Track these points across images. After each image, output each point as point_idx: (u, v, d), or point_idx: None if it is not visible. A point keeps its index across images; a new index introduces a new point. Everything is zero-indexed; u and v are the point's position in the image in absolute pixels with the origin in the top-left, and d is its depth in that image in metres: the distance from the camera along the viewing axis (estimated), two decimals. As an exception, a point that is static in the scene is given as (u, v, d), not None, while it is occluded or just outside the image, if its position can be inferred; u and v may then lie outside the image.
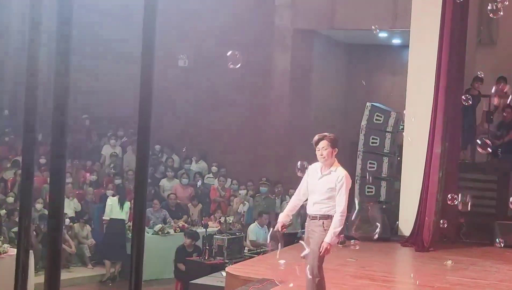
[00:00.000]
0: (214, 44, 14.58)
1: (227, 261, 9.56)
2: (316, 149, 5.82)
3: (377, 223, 9.06)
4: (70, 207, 12.18)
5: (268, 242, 6.12)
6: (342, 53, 15.49)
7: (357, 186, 11.41)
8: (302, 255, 5.88)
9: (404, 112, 10.26)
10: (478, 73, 10.47)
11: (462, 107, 10.14)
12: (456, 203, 6.84)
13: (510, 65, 11.60)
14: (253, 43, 14.24)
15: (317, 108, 14.57)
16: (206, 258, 9.87)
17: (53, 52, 1.98)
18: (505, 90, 7.54)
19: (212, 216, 12.41)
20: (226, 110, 14.56)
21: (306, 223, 6.05)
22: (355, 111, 13.11)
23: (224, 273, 8.08)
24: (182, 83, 15.06)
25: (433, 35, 9.75)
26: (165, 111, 14.28)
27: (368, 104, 11.64)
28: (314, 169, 5.91)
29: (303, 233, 6.57)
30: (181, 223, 12.03)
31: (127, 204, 11.48)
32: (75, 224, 11.82)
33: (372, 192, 11.44)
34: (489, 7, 6.51)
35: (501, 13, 6.37)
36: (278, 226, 5.98)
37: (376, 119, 11.38)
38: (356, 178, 11.50)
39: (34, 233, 10.52)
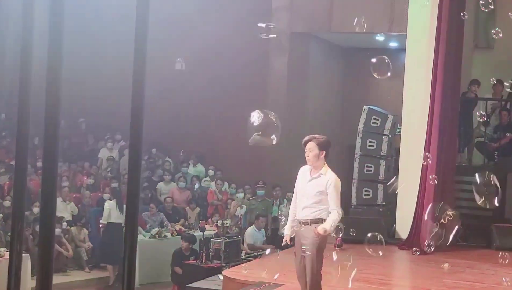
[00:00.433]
0: (211, 48, 14.60)
1: (224, 264, 9.54)
2: (305, 150, 5.79)
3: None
4: (67, 210, 12.16)
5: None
6: (339, 56, 15.50)
7: (354, 189, 11.42)
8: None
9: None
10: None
11: (459, 110, 10.17)
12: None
13: (506, 68, 11.62)
14: (250, 46, 14.26)
15: (314, 111, 14.58)
16: (203, 261, 9.85)
17: (45, 55, 1.97)
18: None
19: (209, 220, 12.40)
20: (223, 113, 14.55)
21: (295, 228, 5.90)
22: (352, 114, 13.13)
23: (221, 277, 8.07)
24: (179, 87, 15.05)
25: (430, 38, 9.77)
26: (161, 114, 14.28)
27: (365, 107, 11.66)
28: (303, 172, 5.84)
29: None
30: (178, 226, 12.01)
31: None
32: (72, 228, 11.80)
33: (369, 195, 11.45)
34: (481, 1, 6.54)
35: (492, 7, 6.41)
36: (286, 239, 5.94)
37: (373, 122, 11.39)
38: (353, 181, 11.52)
39: (31, 236, 10.50)
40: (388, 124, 11.37)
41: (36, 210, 11.37)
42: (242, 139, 16.26)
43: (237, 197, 13.03)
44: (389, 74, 5.59)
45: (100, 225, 11.83)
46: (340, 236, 9.86)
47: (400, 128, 11.00)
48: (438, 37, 9.73)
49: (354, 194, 11.44)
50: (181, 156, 14.63)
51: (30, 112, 2.19)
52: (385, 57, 5.75)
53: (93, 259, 11.86)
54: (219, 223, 11.18)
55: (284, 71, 14.35)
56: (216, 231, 11.00)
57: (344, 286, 7.26)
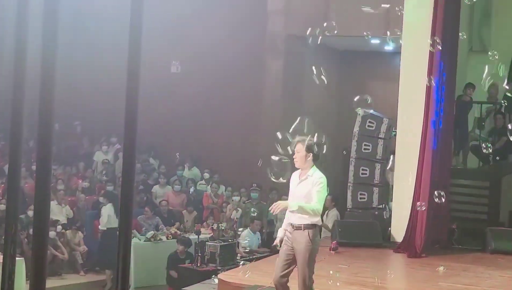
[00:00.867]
0: (207, 50, 14.60)
1: (219, 268, 9.53)
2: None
3: None
4: (62, 213, 12.14)
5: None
6: (334, 60, 15.51)
7: (349, 193, 11.42)
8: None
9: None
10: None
11: (454, 113, 10.18)
12: None
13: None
14: (246, 49, 14.27)
15: (309, 114, 14.55)
16: (199, 265, 9.84)
17: (39, 56, 1.97)
18: None
19: (204, 223, 12.39)
20: (218, 116, 14.55)
21: (288, 231, 5.84)
22: (347, 118, 13.13)
23: (216, 280, 8.06)
24: (174, 89, 15.05)
25: (425, 42, 9.78)
26: (157, 117, 14.27)
27: (359, 109, 11.64)
28: (294, 176, 5.86)
29: None
30: (173, 230, 12.00)
31: (123, 211, 11.39)
32: (67, 231, 11.77)
33: (364, 198, 11.45)
34: None
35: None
36: (277, 242, 5.93)
37: (368, 126, 11.40)
38: (349, 184, 11.51)
39: (26, 240, 10.47)
40: (384, 127, 11.37)
41: (31, 213, 11.33)
42: (238, 142, 16.33)
43: (232, 201, 13.02)
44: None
45: (99, 231, 11.73)
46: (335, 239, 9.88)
47: (396, 131, 11.01)
48: (433, 40, 9.74)
49: (349, 197, 11.44)
50: (177, 159, 14.62)
51: (23, 114, 2.18)
52: None
53: (88, 263, 11.83)
54: (215, 226, 11.17)
55: (279, 74, 14.36)
56: (212, 234, 10.99)
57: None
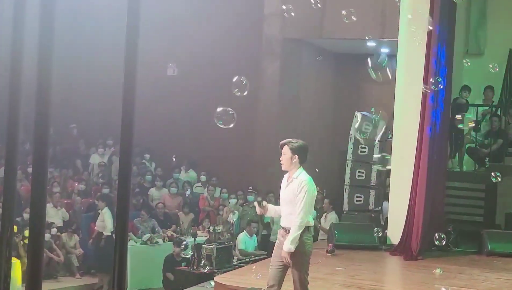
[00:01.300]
0: (204, 53, 14.61)
1: (216, 270, 9.53)
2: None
3: None
4: (58, 216, 12.11)
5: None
6: (330, 62, 15.54)
7: (346, 195, 11.44)
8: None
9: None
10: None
11: (450, 116, 10.20)
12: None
13: (497, 74, 11.67)
14: (242, 52, 14.28)
15: (306, 117, 14.60)
16: (195, 267, 9.83)
17: (36, 58, 1.97)
18: None
19: (200, 226, 12.38)
20: (215, 118, 14.52)
21: (279, 235, 5.86)
22: (343, 120, 13.15)
23: (212, 283, 8.06)
24: (171, 92, 15.05)
25: (421, 44, 9.80)
26: (154, 119, 14.26)
27: (356, 113, 11.68)
28: (284, 178, 5.86)
29: None
30: (169, 232, 11.98)
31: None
32: (63, 234, 11.74)
33: (361, 201, 11.46)
34: None
35: None
36: (257, 207, 5.91)
37: (364, 128, 11.42)
38: (345, 186, 11.53)
39: (22, 242, 10.44)
40: (380, 130, 11.40)
41: (26, 216, 11.31)
42: (235, 144, 16.34)
43: (229, 203, 13.01)
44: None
45: (103, 237, 11.54)
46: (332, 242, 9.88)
47: (392, 134, 11.03)
48: (429, 43, 9.76)
49: (346, 200, 11.46)
50: (174, 161, 14.60)
51: (20, 117, 2.18)
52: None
53: (84, 266, 11.80)
54: (211, 229, 11.16)
55: (276, 76, 14.37)
56: (208, 237, 10.98)
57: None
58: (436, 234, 8.50)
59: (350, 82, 14.73)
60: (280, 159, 5.77)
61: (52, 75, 1.99)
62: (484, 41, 12.61)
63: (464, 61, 9.86)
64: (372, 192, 11.41)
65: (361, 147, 11.43)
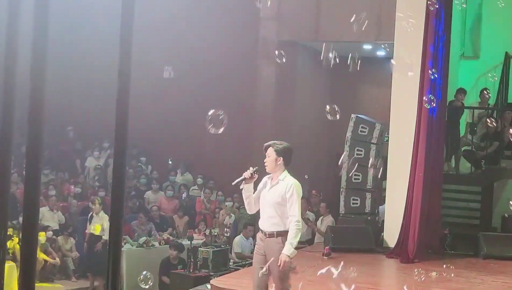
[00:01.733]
0: (200, 56, 14.60)
1: (212, 273, 9.50)
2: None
3: None
4: (54, 219, 12.08)
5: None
6: (326, 65, 15.51)
7: (342, 198, 11.43)
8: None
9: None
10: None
11: (446, 118, 10.21)
12: None
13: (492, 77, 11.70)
14: (238, 55, 14.27)
15: (301, 119, 14.60)
16: (191, 270, 9.81)
17: (30, 59, 1.96)
18: None
19: (196, 229, 12.35)
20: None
21: (258, 238, 5.76)
22: (339, 123, 13.11)
23: (209, 286, 8.04)
24: (167, 95, 15.03)
25: (417, 47, 9.81)
26: (149, 122, 14.24)
27: (352, 115, 11.68)
28: (265, 179, 5.78)
29: None
30: (165, 235, 11.96)
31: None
32: (58, 237, 11.71)
33: (357, 203, 11.45)
34: None
35: None
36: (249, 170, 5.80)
37: (360, 131, 11.42)
38: (341, 189, 11.52)
39: (18, 246, 10.41)
40: (376, 133, 11.39)
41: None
42: (231, 147, 16.32)
43: (226, 206, 12.99)
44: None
45: (102, 241, 11.49)
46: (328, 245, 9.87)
47: (388, 137, 11.03)
48: (425, 46, 9.77)
49: (342, 203, 11.44)
50: (170, 164, 14.57)
51: (14, 118, 2.17)
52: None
53: (80, 269, 11.77)
54: (207, 232, 11.14)
55: (271, 79, 14.36)
56: (204, 240, 10.95)
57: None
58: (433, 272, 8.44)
59: (346, 84, 14.72)
60: (265, 161, 5.72)
61: (46, 76, 1.98)
62: (479, 45, 12.65)
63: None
64: (369, 195, 11.40)
65: (357, 150, 11.42)
